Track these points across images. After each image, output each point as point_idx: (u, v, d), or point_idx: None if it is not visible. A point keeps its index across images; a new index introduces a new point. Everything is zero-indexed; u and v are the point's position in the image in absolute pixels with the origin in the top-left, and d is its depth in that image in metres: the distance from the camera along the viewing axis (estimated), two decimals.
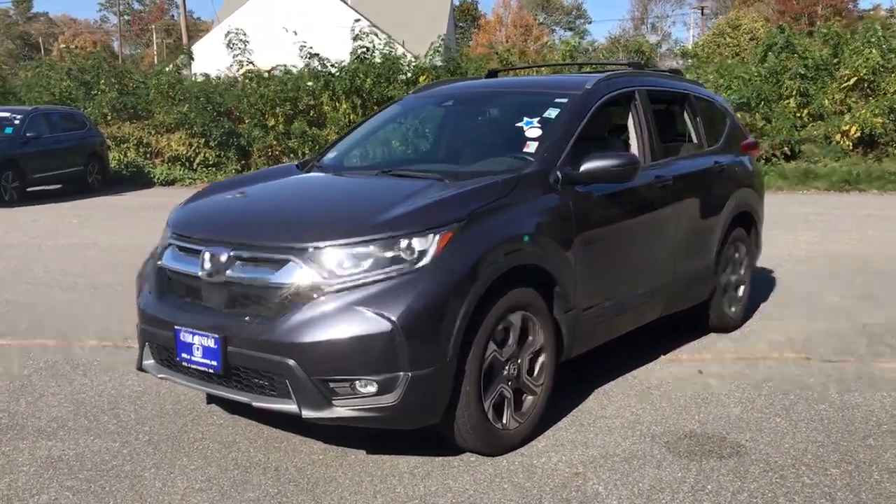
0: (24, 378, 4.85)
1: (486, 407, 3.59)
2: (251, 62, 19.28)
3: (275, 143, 18.60)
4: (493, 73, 6.12)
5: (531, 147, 4.26)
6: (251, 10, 34.61)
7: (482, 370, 3.54)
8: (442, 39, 20.52)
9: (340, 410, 3.30)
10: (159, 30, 77.01)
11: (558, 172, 4.07)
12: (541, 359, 3.91)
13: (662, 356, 5.22)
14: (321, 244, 3.38)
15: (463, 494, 3.33)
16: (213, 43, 25.46)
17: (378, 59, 19.47)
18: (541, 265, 3.83)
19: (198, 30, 57.91)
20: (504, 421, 3.71)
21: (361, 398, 3.29)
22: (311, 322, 3.27)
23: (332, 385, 3.28)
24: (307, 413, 3.31)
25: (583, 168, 4.11)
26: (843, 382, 4.70)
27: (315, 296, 3.32)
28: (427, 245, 3.39)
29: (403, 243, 3.38)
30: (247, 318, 3.43)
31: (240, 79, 19.54)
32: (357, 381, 3.27)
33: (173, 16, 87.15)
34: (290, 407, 3.34)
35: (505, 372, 3.70)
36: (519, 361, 3.79)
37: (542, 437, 3.91)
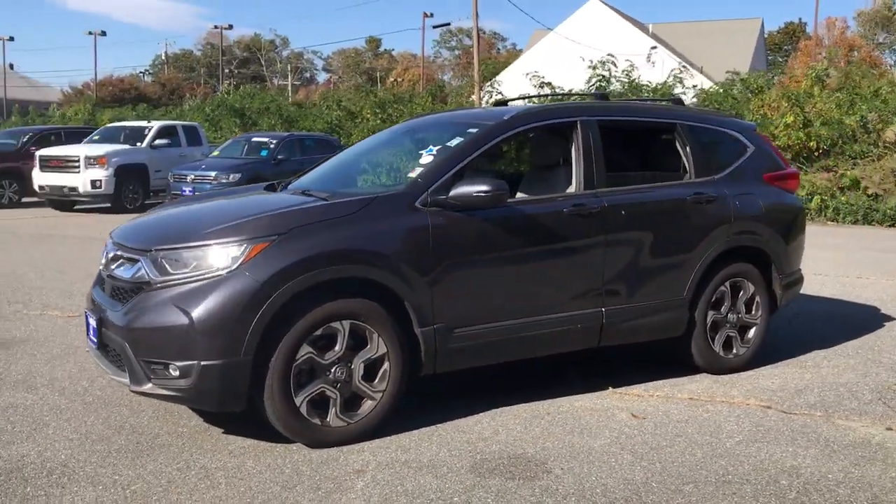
0: None
1: (299, 403, 4.01)
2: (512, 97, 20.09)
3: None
4: (500, 104, 6.35)
5: (416, 172, 4.57)
6: (553, 40, 35.99)
7: (292, 369, 3.97)
8: (730, 72, 20.09)
9: (156, 388, 3.95)
10: (482, 63, 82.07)
11: (428, 196, 4.36)
12: (383, 367, 4.22)
13: (611, 388, 5.14)
14: (158, 248, 4.07)
15: (240, 470, 3.80)
16: (519, 70, 26.52)
17: (618, 88, 19.55)
18: (380, 280, 4.15)
19: (513, 57, 60.90)
20: (328, 419, 4.09)
21: (169, 380, 3.91)
22: (140, 312, 3.97)
23: (151, 366, 3.94)
24: (133, 387, 4.01)
25: (451, 193, 4.36)
26: (769, 433, 4.36)
27: (147, 290, 4.01)
28: (239, 253, 3.93)
29: (220, 251, 3.95)
30: (116, 306, 4.21)
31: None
32: (168, 365, 3.89)
33: (499, 49, 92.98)
34: (124, 380, 4.06)
35: (329, 374, 4.09)
36: (351, 367, 4.14)
37: (378, 441, 4.19)
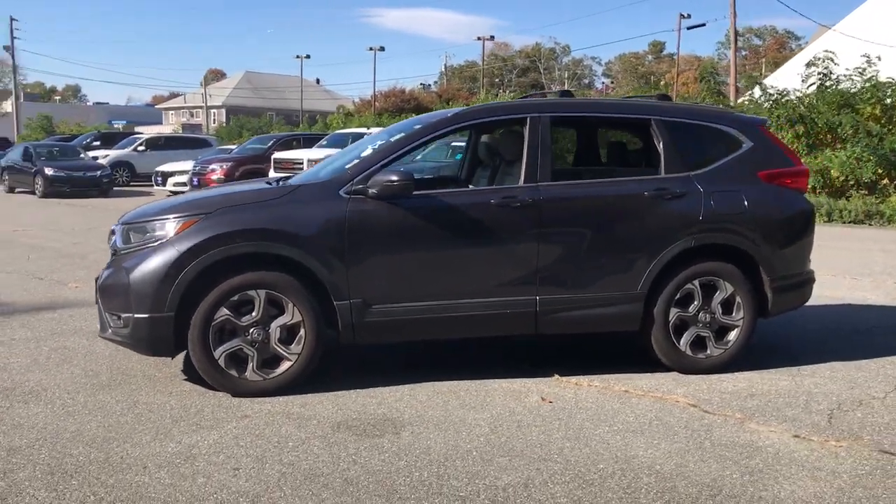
0: None
1: (217, 356, 4.74)
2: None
3: None
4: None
5: (352, 163, 5.13)
6: (834, 37, 33.42)
7: (210, 327, 4.71)
8: None
9: (112, 335, 4.88)
10: (769, 63, 77.82)
11: (353, 186, 4.91)
12: (300, 333, 4.83)
13: (557, 375, 5.32)
14: (125, 223, 5.02)
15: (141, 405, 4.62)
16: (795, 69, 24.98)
17: (847, 85, 18.08)
18: (294, 257, 4.77)
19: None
20: (245, 373, 4.79)
21: (118, 328, 4.82)
22: (108, 274, 4.93)
23: (109, 317, 4.88)
24: (99, 334, 4.99)
25: (368, 183, 4.87)
26: (656, 429, 4.38)
27: (116, 256, 4.96)
28: (172, 228, 4.76)
29: (161, 225, 4.81)
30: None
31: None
32: (118, 316, 4.81)
33: (791, 47, 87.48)
34: (98, 329, 5.04)
35: (247, 335, 4.78)
36: (269, 330, 4.80)
37: (285, 397, 4.80)
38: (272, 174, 20.09)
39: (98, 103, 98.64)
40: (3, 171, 24.96)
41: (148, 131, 42.54)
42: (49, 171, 22.27)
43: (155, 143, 29.19)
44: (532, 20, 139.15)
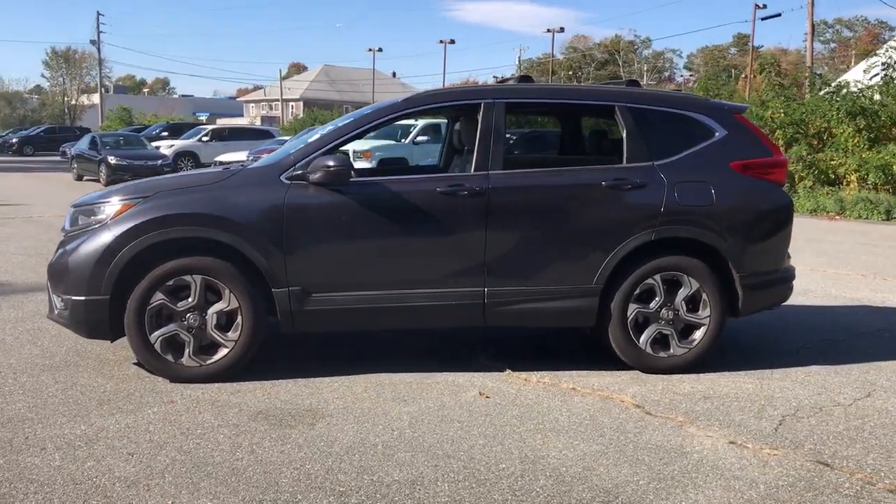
0: None
1: (153, 340, 4.73)
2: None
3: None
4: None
5: (295, 148, 5.05)
6: None
7: (146, 311, 4.71)
8: None
9: (57, 317, 4.93)
10: (859, 55, 74.84)
11: (294, 171, 4.84)
12: (237, 319, 4.79)
13: (509, 370, 5.14)
14: (74, 206, 5.05)
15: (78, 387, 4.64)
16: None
17: None
18: (229, 243, 4.72)
19: None
20: (182, 359, 4.78)
21: (60, 310, 4.86)
22: (56, 255, 4.98)
23: (54, 299, 4.94)
24: (48, 315, 5.04)
25: (309, 167, 4.79)
26: (583, 430, 4.18)
27: (63, 239, 5.01)
28: (111, 212, 4.77)
29: (102, 209, 4.83)
30: None
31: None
32: (60, 298, 4.86)
33: (885, 38, 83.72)
34: (46, 311, 5.11)
35: (184, 321, 4.76)
36: (205, 316, 4.77)
37: (218, 384, 4.76)
38: None
39: (184, 96, 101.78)
40: (73, 159, 25.86)
41: (227, 123, 43.53)
42: (112, 160, 22.96)
43: (219, 134, 29.83)
44: (612, 11, 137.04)
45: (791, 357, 5.56)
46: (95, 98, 65.84)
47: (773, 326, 6.36)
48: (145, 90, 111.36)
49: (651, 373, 5.11)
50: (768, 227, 5.24)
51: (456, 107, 5.32)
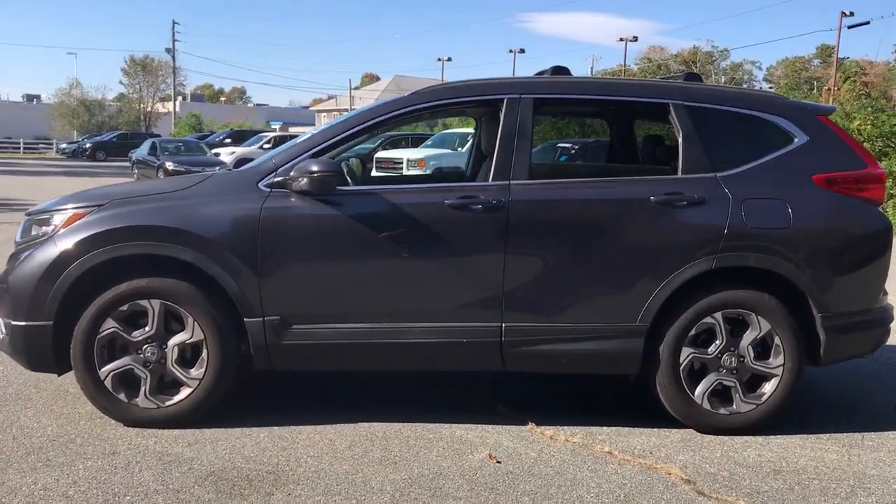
0: None
1: (103, 376, 3.97)
2: None
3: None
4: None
5: (278, 153, 4.24)
6: None
7: (95, 340, 3.95)
8: None
9: (1, 344, 4.20)
10: None
11: (275, 177, 4.03)
12: (202, 354, 4.00)
13: (532, 423, 4.23)
14: (28, 214, 4.33)
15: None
16: None
17: None
18: (192, 262, 3.93)
19: None
20: (137, 398, 4.00)
21: (3, 337, 4.13)
22: (2, 272, 4.27)
23: (2, 324, 4.21)
24: None
25: (290, 174, 3.98)
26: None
27: (13, 252, 4.30)
28: (59, 221, 4.03)
29: (51, 219, 4.09)
30: None
31: None
32: (3, 322, 4.13)
33: None
34: None
35: (140, 353, 3.99)
36: (165, 349, 3.99)
37: (172, 431, 3.97)
38: (374, 173, 19.60)
39: (259, 105, 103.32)
40: (134, 164, 25.83)
41: (293, 131, 43.52)
42: (169, 165, 22.71)
43: (280, 141, 29.47)
44: (690, 20, 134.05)
45: (888, 419, 4.49)
46: (171, 105, 67.00)
47: (864, 377, 5.28)
48: (222, 99, 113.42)
49: (707, 433, 4.14)
50: (860, 256, 4.21)
51: (474, 103, 4.43)
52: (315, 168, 3.86)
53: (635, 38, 52.71)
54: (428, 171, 18.20)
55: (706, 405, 4.12)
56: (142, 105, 66.19)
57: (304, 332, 3.99)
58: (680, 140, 4.18)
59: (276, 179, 4.01)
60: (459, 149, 19.58)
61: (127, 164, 37.74)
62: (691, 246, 4.03)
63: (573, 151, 17.04)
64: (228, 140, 31.76)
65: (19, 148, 51.65)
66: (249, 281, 3.93)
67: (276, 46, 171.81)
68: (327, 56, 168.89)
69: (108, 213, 3.98)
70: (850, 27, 40.28)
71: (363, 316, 4.02)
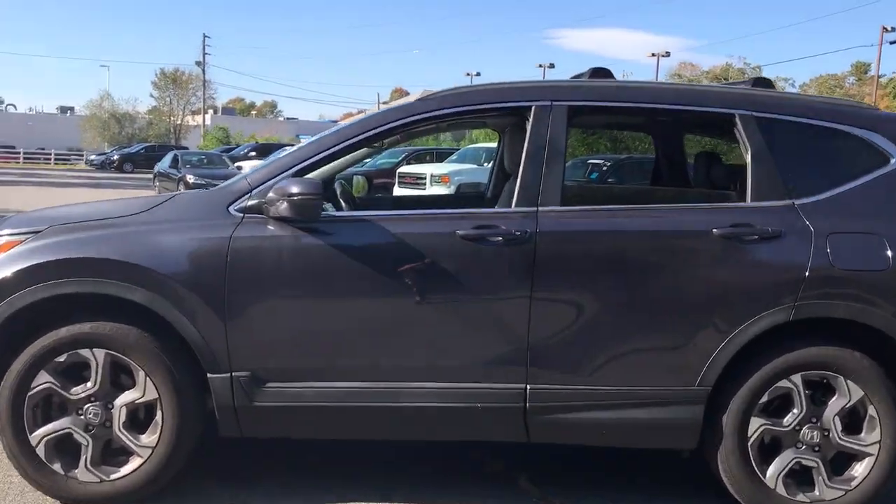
0: None
1: (35, 442, 3.25)
2: None
3: None
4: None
5: (255, 170, 3.50)
6: None
7: (25, 398, 3.23)
8: None
9: None
10: None
11: (249, 199, 3.30)
12: (157, 415, 3.26)
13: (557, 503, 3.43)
14: None
15: None
16: None
17: None
18: (142, 302, 3.20)
19: None
20: (76, 470, 3.27)
21: None
22: None
23: None
24: None
25: (267, 196, 3.23)
26: None
27: None
28: None
29: None
30: None
31: None
32: None
33: None
34: None
35: (80, 414, 3.26)
36: (111, 410, 3.26)
37: None
38: (396, 189, 18.90)
39: (289, 118, 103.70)
40: (156, 177, 25.43)
41: None
42: (190, 178, 22.25)
43: None
44: (722, 36, 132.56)
45: None
46: (198, 119, 67.06)
47: None
48: (254, 112, 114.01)
49: None
50: None
51: (495, 111, 3.66)
52: (295, 189, 3.11)
53: (667, 54, 51.56)
54: (451, 188, 17.47)
55: (781, 489, 3.30)
56: (172, 118, 66.31)
57: (280, 392, 3.24)
58: (748, 159, 3.38)
59: (251, 203, 3.28)
60: (486, 164, 18.84)
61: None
62: (764, 291, 3.23)
63: (605, 168, 16.23)
64: (253, 153, 31.23)
65: (50, 159, 51.77)
66: (214, 328, 3.19)
67: (306, 60, 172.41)
68: (357, 70, 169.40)
69: (46, 241, 3.27)
70: (892, 43, 38.98)
71: (352, 373, 3.26)
